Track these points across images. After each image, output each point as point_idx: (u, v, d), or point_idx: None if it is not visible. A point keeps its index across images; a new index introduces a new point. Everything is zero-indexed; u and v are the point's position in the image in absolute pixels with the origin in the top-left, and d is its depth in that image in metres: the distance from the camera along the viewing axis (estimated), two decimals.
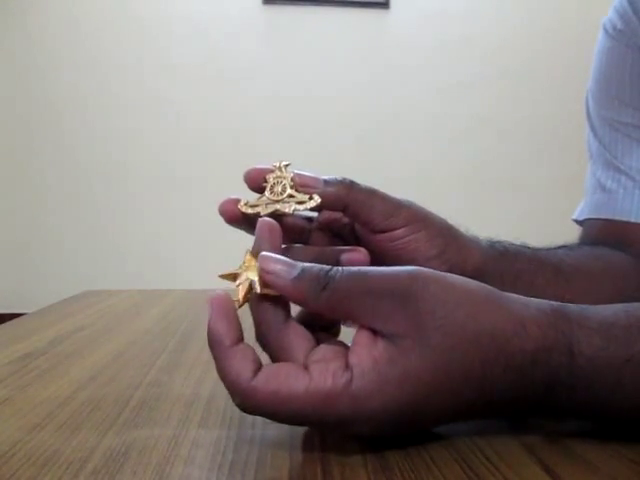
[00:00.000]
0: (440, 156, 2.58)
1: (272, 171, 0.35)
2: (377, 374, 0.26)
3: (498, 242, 0.43)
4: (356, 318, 0.28)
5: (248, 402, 0.27)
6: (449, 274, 0.29)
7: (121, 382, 0.41)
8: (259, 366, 0.28)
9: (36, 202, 2.51)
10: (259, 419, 0.34)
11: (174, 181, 2.52)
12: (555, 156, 2.57)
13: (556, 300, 0.30)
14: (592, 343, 0.28)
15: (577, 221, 0.59)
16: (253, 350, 0.28)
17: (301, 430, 0.32)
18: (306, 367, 0.27)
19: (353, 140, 2.55)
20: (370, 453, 0.29)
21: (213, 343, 0.29)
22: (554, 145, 2.58)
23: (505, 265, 0.41)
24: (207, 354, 0.48)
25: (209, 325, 0.29)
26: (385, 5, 2.54)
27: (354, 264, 0.31)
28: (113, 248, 2.52)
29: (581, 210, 0.58)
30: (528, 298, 0.30)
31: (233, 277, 0.30)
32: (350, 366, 0.27)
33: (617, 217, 0.54)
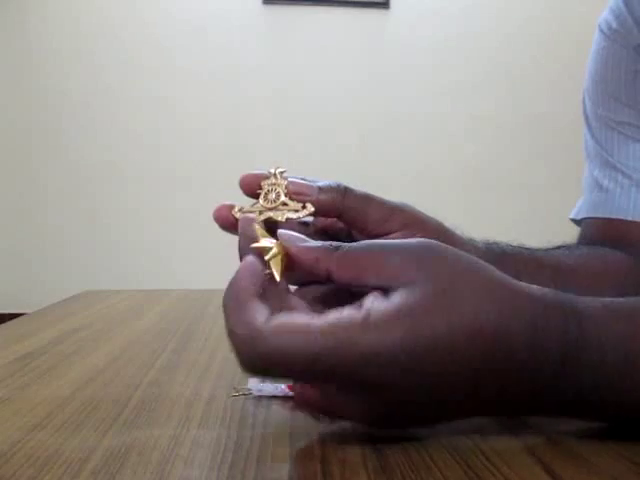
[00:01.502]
0: (440, 156, 2.58)
1: (267, 177, 0.35)
2: (394, 308, 0.26)
3: (495, 244, 0.43)
4: (368, 277, 0.28)
5: (260, 346, 0.26)
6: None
7: (121, 382, 0.41)
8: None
9: (36, 202, 2.51)
10: (259, 419, 0.34)
11: (174, 181, 2.52)
12: (555, 156, 2.57)
13: None
14: (597, 312, 0.29)
15: (575, 220, 0.59)
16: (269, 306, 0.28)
17: (301, 430, 0.32)
18: (322, 309, 0.27)
19: (353, 140, 2.55)
20: (370, 453, 0.29)
21: (234, 293, 0.28)
22: (554, 145, 2.58)
23: (502, 267, 0.41)
24: (207, 354, 0.48)
25: (233, 279, 0.28)
26: (385, 5, 2.54)
27: None
28: (113, 248, 2.52)
29: (579, 209, 0.59)
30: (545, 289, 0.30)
31: (264, 250, 0.30)
32: (366, 305, 0.27)
33: (614, 216, 0.54)
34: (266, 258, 0.29)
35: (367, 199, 0.36)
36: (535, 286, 0.29)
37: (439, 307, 0.27)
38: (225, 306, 0.28)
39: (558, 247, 0.48)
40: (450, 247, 0.29)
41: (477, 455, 0.28)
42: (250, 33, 2.54)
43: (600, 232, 0.54)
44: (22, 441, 0.31)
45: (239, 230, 0.31)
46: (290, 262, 0.30)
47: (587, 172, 0.59)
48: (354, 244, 0.29)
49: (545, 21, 2.60)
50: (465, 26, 2.58)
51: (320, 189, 0.35)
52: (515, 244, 0.44)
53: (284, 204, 0.34)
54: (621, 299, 0.30)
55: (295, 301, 0.30)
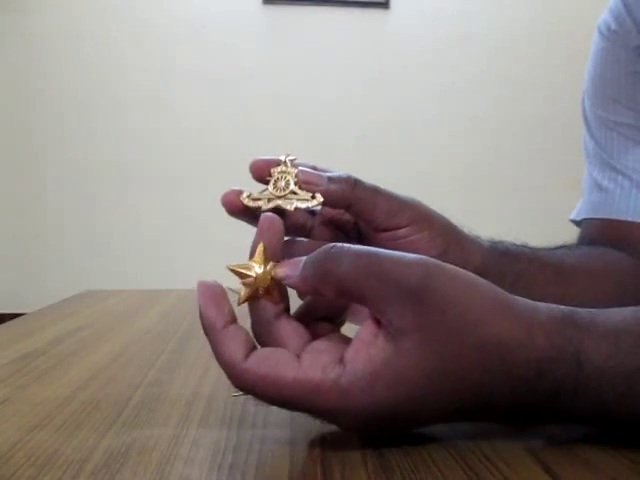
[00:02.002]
0: (440, 156, 2.58)
1: (278, 164, 0.35)
2: (370, 373, 0.26)
3: (500, 242, 0.43)
4: (365, 302, 0.28)
5: (240, 383, 0.28)
6: (461, 270, 0.29)
7: (121, 382, 0.41)
8: (252, 347, 0.29)
9: (36, 202, 2.51)
10: (259, 419, 0.34)
11: (174, 181, 2.52)
12: (555, 156, 2.57)
13: (556, 300, 0.30)
14: (601, 351, 0.28)
15: (575, 221, 0.59)
16: (245, 331, 0.29)
17: (301, 430, 0.32)
18: (299, 356, 0.28)
19: (353, 140, 2.55)
20: (370, 453, 0.29)
21: (206, 327, 0.29)
22: (554, 145, 2.58)
23: (506, 266, 0.41)
24: (207, 354, 0.48)
25: (200, 311, 0.29)
26: (385, 5, 2.54)
27: None
28: (113, 248, 2.52)
29: (579, 210, 0.59)
30: (538, 302, 0.29)
31: (240, 274, 0.30)
32: (344, 361, 0.27)
33: (614, 216, 0.54)
34: (239, 282, 0.30)
35: (376, 192, 0.36)
36: (536, 335, 0.28)
37: (419, 374, 0.27)
38: (204, 332, 0.30)
39: (559, 247, 0.49)
40: (456, 275, 0.28)
41: (477, 455, 0.28)
42: (250, 33, 2.54)
43: (600, 233, 0.54)
44: (22, 441, 0.31)
45: (260, 228, 0.31)
46: (269, 292, 0.30)
47: (586, 173, 0.59)
48: (350, 257, 0.27)
49: (545, 22, 2.60)
50: (465, 26, 2.58)
51: (330, 179, 0.35)
52: (519, 243, 0.44)
53: (293, 193, 0.34)
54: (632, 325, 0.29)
55: (280, 327, 0.30)
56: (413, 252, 0.36)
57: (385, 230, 0.37)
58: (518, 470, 0.27)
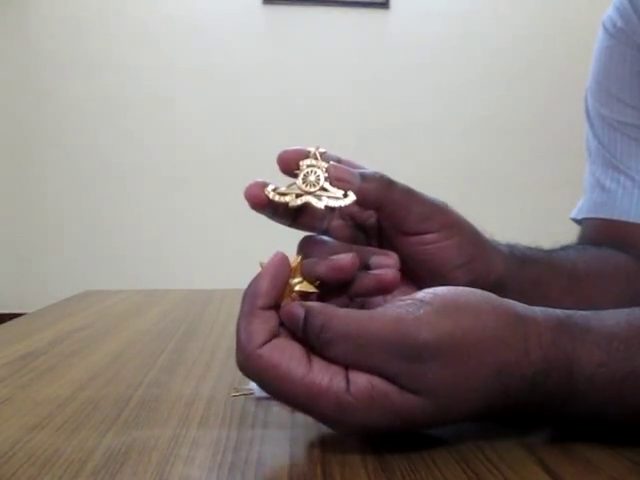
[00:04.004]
0: (440, 156, 2.58)
1: (307, 156, 0.33)
2: (369, 399, 0.27)
3: (514, 247, 0.42)
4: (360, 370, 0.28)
5: (248, 365, 0.28)
6: (462, 300, 0.28)
7: (121, 382, 0.41)
8: (274, 337, 0.28)
9: (36, 202, 2.51)
10: (259, 419, 0.34)
11: (174, 181, 2.52)
12: (555, 156, 2.57)
13: (571, 306, 0.31)
14: (592, 359, 0.28)
15: (575, 220, 0.59)
16: (277, 321, 0.29)
17: (301, 430, 0.32)
18: (310, 359, 0.28)
19: (353, 140, 2.55)
20: (370, 453, 0.29)
21: (246, 296, 0.29)
22: (554, 145, 2.58)
23: (525, 273, 0.40)
24: (207, 354, 0.48)
25: (255, 277, 0.29)
26: (385, 5, 2.54)
27: (383, 267, 0.32)
28: (113, 248, 2.52)
29: (580, 209, 0.58)
30: (536, 310, 0.29)
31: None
32: (349, 379, 0.27)
33: (616, 217, 0.53)
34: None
35: (410, 195, 0.34)
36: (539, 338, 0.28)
37: (413, 412, 0.27)
38: (243, 297, 0.29)
39: (566, 247, 0.48)
40: (452, 318, 0.27)
41: (477, 455, 0.28)
42: (250, 33, 2.54)
43: (601, 233, 0.54)
44: (22, 441, 0.31)
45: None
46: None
47: (588, 172, 0.58)
48: (339, 346, 0.27)
49: (545, 21, 2.60)
50: (465, 26, 2.58)
51: (363, 178, 0.33)
52: (533, 247, 0.44)
53: (323, 189, 0.31)
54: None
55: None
56: (439, 259, 0.35)
57: (415, 234, 0.35)
58: (518, 470, 0.27)
